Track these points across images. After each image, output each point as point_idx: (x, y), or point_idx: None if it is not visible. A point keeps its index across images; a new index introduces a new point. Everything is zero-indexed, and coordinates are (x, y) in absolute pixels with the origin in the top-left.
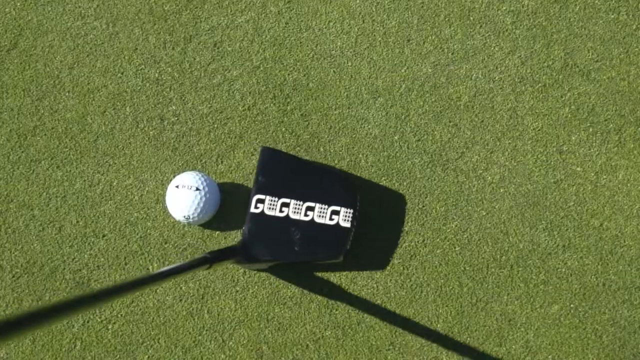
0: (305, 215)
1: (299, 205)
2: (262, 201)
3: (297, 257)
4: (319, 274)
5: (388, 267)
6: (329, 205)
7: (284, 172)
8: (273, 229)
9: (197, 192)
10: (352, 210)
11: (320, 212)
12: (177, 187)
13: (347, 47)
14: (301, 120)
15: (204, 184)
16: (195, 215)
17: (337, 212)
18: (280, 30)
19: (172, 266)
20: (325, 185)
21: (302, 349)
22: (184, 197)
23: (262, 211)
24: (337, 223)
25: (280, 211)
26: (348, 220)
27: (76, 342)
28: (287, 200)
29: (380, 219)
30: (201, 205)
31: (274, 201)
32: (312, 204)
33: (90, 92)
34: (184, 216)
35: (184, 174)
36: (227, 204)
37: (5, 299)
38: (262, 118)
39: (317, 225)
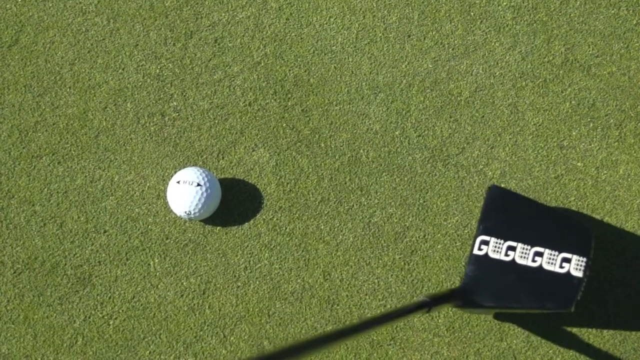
0: (533, 261)
1: (527, 249)
2: (486, 243)
3: (524, 305)
4: (319, 271)
5: (389, 263)
6: (560, 252)
7: (511, 213)
8: (497, 274)
9: (198, 187)
10: (585, 259)
11: (550, 258)
12: (178, 182)
13: (348, 42)
14: (302, 115)
15: (205, 179)
16: (197, 210)
17: (568, 260)
18: (281, 26)
19: (389, 311)
20: (556, 229)
21: None
22: (185, 192)
23: (486, 254)
24: (568, 271)
25: (506, 255)
26: (580, 270)
27: (77, 337)
28: (514, 243)
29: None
30: (202, 200)
31: (500, 244)
32: (541, 249)
33: (91, 88)
34: (185, 212)
35: (185, 169)
36: (228, 200)
37: (7, 295)
38: (263, 114)
39: (545, 272)
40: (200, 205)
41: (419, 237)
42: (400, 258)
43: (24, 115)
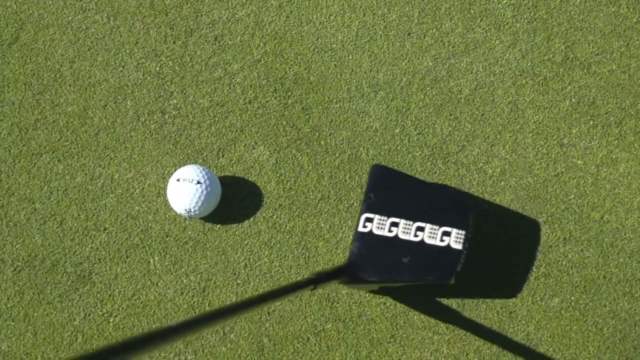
0: (415, 235)
1: (409, 225)
2: (370, 220)
3: (406, 278)
4: (318, 268)
5: None
6: (440, 226)
7: (393, 190)
8: (381, 250)
9: (198, 185)
10: (464, 232)
11: (431, 232)
12: (178, 180)
13: (348, 40)
14: (302, 113)
15: (205, 177)
16: (197, 208)
17: (448, 234)
18: (281, 23)
19: (276, 288)
20: (436, 204)
21: (303, 342)
22: (185, 190)
23: (371, 230)
24: (448, 244)
25: (390, 231)
26: (460, 242)
27: (77, 335)
28: (396, 219)
29: None
30: (202, 198)
31: (383, 220)
32: (422, 224)
33: (91, 86)
34: (185, 209)
35: (185, 167)
36: (228, 197)
37: (7, 292)
38: (263, 111)
39: (427, 246)
40: (200, 203)
41: None
42: None
43: (24, 113)
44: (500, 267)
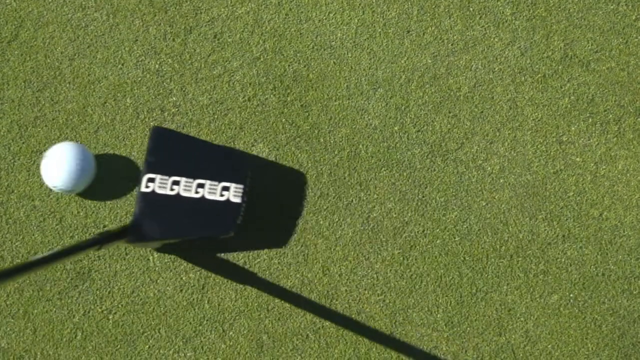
0: (196, 192)
1: (190, 182)
2: (152, 180)
3: (189, 234)
4: (318, 266)
5: (388, 257)
6: (220, 182)
7: (174, 151)
8: (164, 208)
9: (63, 162)
10: (242, 186)
11: (211, 188)
12: (46, 157)
13: (347, 38)
14: (301, 111)
15: (58, 151)
16: (61, 184)
17: (227, 188)
18: (281, 21)
19: (61, 248)
20: (216, 162)
21: (303, 338)
22: (50, 167)
23: (153, 190)
24: (228, 199)
25: (172, 189)
26: (238, 196)
27: (77, 332)
28: (177, 178)
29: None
30: (66, 174)
31: (165, 180)
32: (202, 181)
33: (91, 84)
34: (54, 186)
35: (57, 145)
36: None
37: (6, 290)
38: (262, 109)
39: (208, 201)
40: (65, 179)
41: (417, 232)
42: (399, 253)
43: (23, 111)
44: (499, 264)
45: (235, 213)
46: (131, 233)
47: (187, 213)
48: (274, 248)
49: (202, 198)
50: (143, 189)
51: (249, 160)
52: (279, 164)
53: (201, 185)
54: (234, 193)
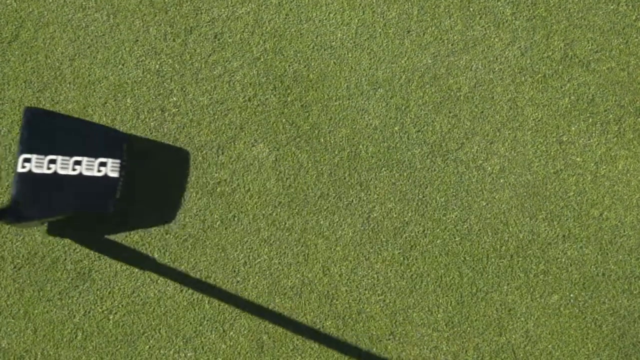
0: (74, 169)
1: (67, 160)
2: (28, 160)
3: (69, 211)
4: (318, 266)
5: (389, 258)
6: (97, 158)
7: (49, 130)
8: (42, 187)
9: None
10: (119, 161)
11: (88, 165)
12: None
13: (348, 38)
14: (301, 111)
15: None
16: None
17: (104, 164)
18: (281, 21)
19: None
20: (91, 138)
21: (303, 339)
22: None
23: (30, 170)
24: (106, 174)
25: (49, 168)
26: (116, 170)
27: (77, 332)
28: (54, 157)
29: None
30: None
31: (41, 159)
32: (79, 158)
33: (91, 84)
34: None
35: None
36: (227, 195)
37: (7, 290)
38: (263, 109)
39: (86, 178)
40: None
41: (418, 232)
42: (399, 253)
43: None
44: (499, 264)
45: (113, 188)
46: (11, 214)
47: (66, 190)
48: (274, 248)
49: (80, 175)
50: (19, 169)
51: (124, 134)
52: (279, 164)
53: (78, 162)
54: (111, 168)
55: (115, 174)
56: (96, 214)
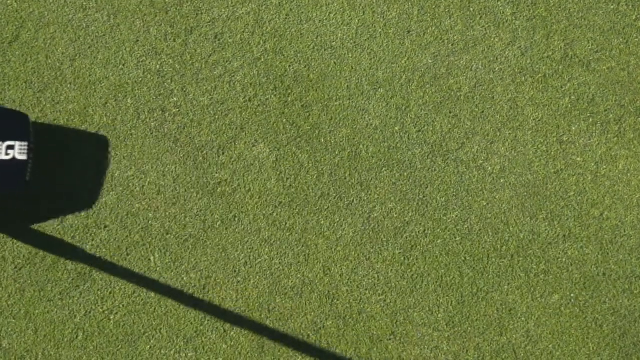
0: None
1: None
2: None
3: None
4: (319, 266)
5: (389, 257)
6: (3, 142)
7: None
8: None
9: None
10: (26, 143)
11: None
12: None
13: (348, 38)
14: (302, 111)
15: None
16: None
17: (12, 147)
18: (281, 21)
19: None
20: None
21: (303, 339)
22: None
23: None
24: (14, 157)
25: None
26: (24, 153)
27: (78, 332)
28: None
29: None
30: None
31: None
32: None
33: (92, 84)
34: None
35: None
36: (227, 195)
37: (8, 290)
38: (263, 109)
39: None
40: None
41: (418, 232)
42: (400, 253)
43: (24, 111)
44: (500, 264)
45: (22, 169)
46: None
47: None
48: (275, 248)
49: None
50: None
51: (29, 117)
52: (280, 164)
53: None
54: (19, 151)
55: (23, 157)
56: (8, 196)
